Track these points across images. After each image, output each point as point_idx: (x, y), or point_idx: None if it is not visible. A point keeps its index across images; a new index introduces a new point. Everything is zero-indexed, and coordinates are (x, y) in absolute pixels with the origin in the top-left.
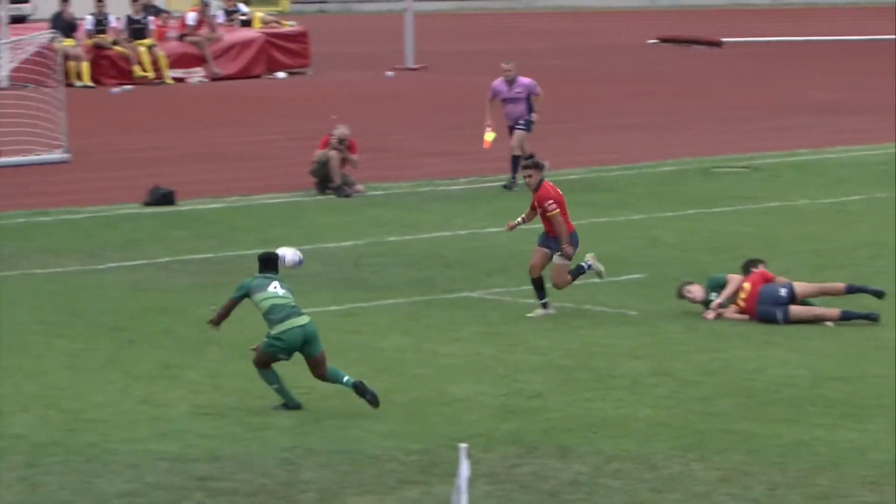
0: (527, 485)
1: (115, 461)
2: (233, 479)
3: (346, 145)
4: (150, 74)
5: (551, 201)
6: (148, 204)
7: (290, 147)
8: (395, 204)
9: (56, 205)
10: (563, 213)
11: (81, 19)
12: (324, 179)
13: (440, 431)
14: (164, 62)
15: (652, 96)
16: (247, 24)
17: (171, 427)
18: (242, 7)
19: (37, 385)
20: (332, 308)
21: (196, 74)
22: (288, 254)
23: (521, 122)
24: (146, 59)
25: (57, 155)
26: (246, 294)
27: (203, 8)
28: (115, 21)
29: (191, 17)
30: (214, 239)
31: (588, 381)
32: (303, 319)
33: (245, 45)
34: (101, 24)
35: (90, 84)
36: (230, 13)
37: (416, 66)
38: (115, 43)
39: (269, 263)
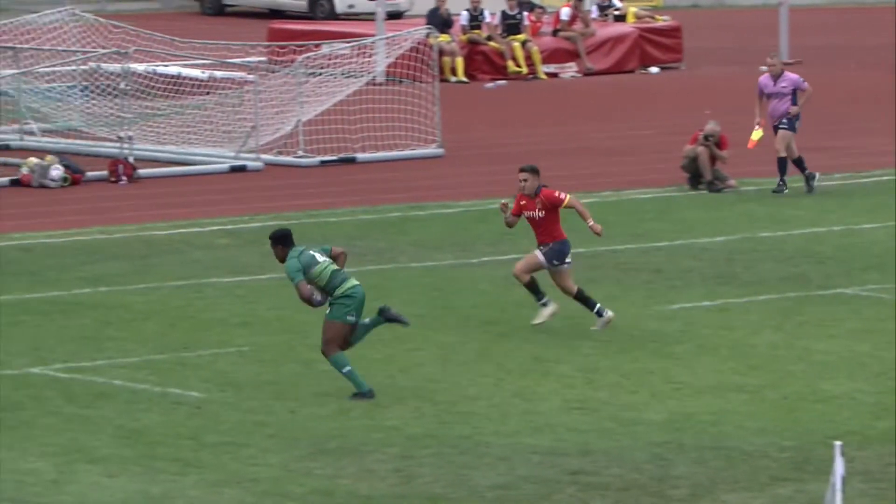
0: None
1: (488, 454)
2: (605, 473)
3: (714, 141)
4: (524, 69)
5: (559, 192)
6: None
7: (663, 142)
8: (767, 199)
9: (430, 199)
10: (557, 219)
11: (457, 15)
12: (695, 175)
13: (814, 428)
14: (537, 57)
15: None
16: (620, 18)
17: (543, 420)
18: (616, 2)
19: (411, 378)
20: (704, 304)
21: (569, 69)
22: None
23: (785, 121)
24: (520, 54)
25: (431, 149)
26: (305, 274)
27: (577, 3)
28: (490, 17)
29: (565, 13)
30: (586, 234)
31: None
32: (355, 280)
33: (618, 40)
34: (475, 20)
35: (464, 79)
36: (604, 8)
37: (791, 61)
38: (489, 38)
39: (287, 239)
